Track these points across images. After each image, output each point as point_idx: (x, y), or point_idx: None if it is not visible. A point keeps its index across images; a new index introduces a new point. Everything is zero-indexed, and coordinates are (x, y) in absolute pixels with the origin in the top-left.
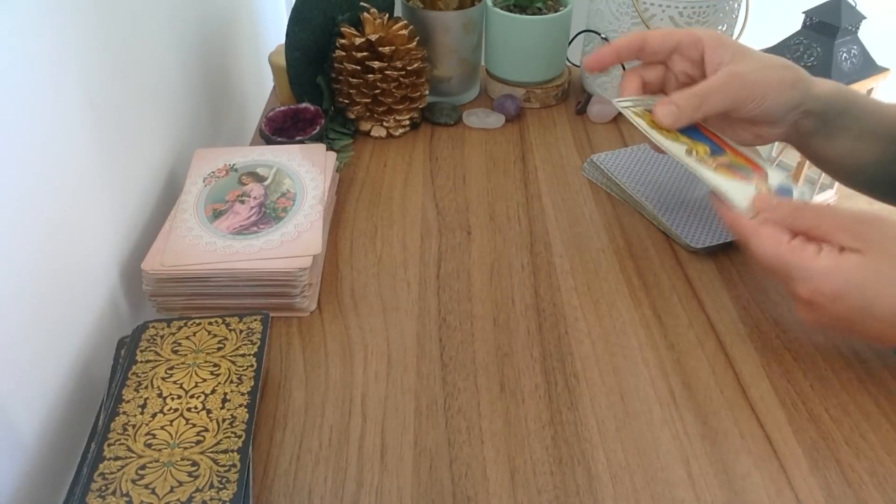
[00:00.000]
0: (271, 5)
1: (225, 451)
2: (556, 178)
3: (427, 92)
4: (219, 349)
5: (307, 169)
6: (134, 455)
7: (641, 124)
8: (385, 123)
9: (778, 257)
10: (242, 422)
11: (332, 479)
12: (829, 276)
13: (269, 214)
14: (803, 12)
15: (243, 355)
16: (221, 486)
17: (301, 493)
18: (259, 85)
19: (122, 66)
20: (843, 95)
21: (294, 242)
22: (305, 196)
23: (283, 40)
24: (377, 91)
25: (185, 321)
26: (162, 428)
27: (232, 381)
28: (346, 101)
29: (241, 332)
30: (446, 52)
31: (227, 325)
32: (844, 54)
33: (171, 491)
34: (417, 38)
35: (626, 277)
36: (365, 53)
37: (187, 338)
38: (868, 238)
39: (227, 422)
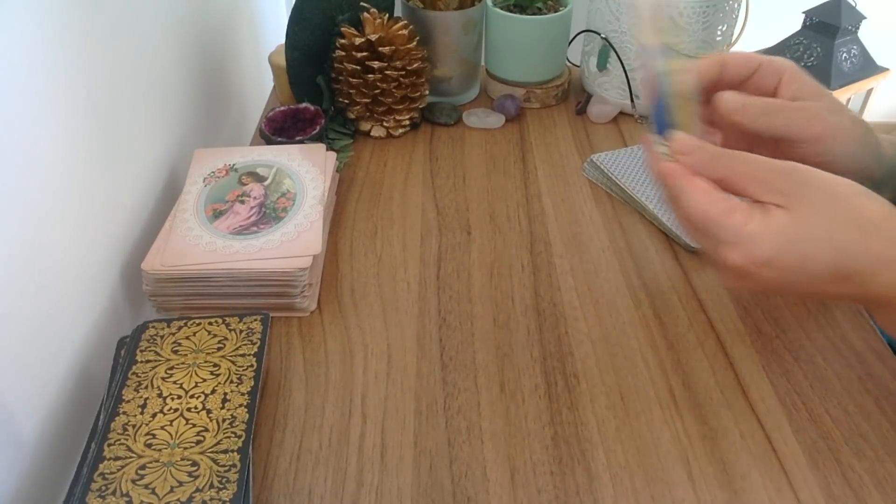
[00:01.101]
0: (271, 5)
1: (225, 451)
2: (556, 178)
3: (427, 92)
4: (219, 349)
5: (307, 169)
6: (134, 455)
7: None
8: (385, 123)
9: (709, 216)
10: (242, 422)
11: (332, 479)
12: (759, 241)
13: (269, 214)
14: (803, 12)
15: (243, 355)
16: (221, 486)
17: (301, 493)
18: (259, 85)
19: (122, 67)
20: None
21: (294, 242)
22: (305, 196)
23: (283, 40)
24: (377, 91)
25: (185, 321)
26: (162, 428)
27: (232, 381)
28: (346, 101)
29: (241, 332)
30: (446, 52)
31: (227, 325)
32: (844, 54)
33: (171, 491)
34: (417, 38)
35: (626, 277)
36: (365, 53)
37: (187, 338)
38: (788, 191)
39: (227, 422)
